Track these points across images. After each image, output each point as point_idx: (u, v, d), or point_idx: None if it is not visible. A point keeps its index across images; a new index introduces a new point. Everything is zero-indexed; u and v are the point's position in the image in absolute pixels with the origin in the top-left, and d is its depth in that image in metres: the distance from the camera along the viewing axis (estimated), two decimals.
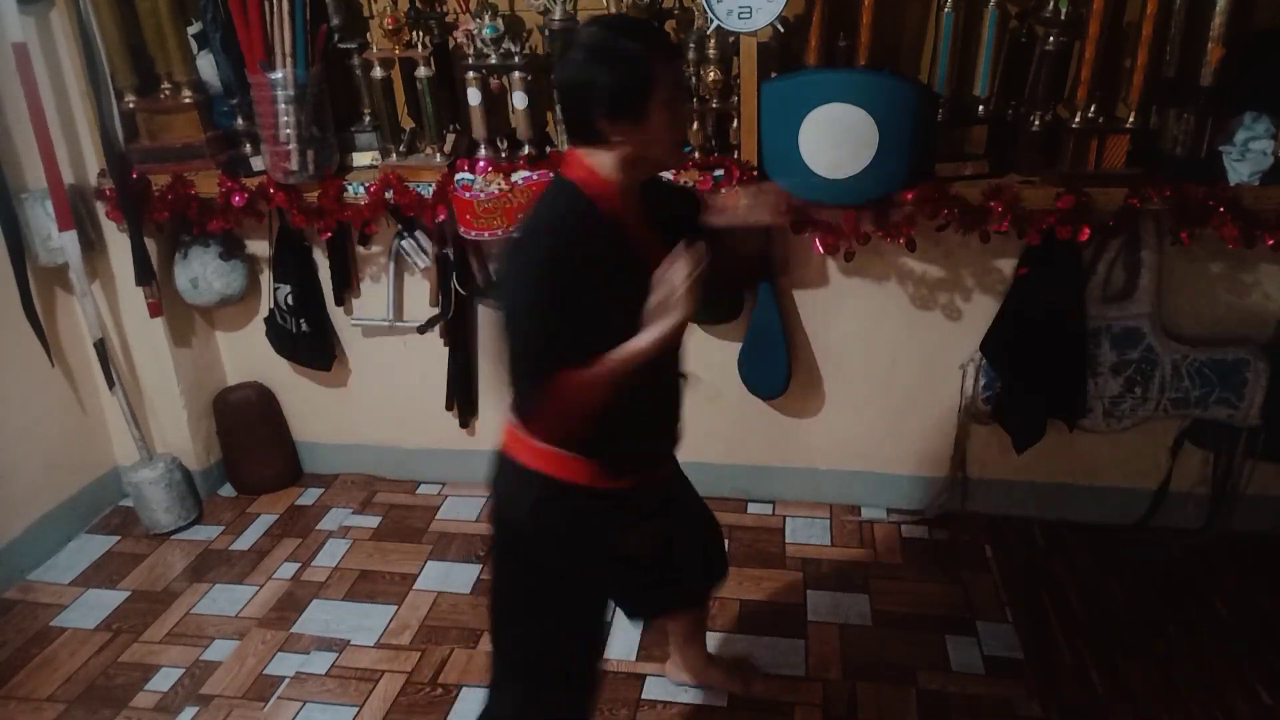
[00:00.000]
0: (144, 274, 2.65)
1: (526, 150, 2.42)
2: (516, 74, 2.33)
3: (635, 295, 1.36)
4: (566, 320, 1.35)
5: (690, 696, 2.15)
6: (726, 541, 2.66)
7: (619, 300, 1.38)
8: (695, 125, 2.32)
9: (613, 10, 2.25)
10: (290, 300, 2.80)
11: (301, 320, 2.83)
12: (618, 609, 1.89)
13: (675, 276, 1.33)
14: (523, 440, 1.49)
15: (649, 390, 1.49)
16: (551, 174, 1.48)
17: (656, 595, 1.90)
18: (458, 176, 2.41)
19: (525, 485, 1.52)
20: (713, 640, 2.31)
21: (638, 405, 1.45)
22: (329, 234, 2.67)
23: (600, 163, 1.40)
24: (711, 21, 2.14)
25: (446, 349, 2.84)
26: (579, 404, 1.37)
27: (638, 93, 1.33)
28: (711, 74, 2.25)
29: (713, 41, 2.24)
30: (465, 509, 2.93)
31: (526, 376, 1.41)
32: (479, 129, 2.42)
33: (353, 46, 2.46)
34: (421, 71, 2.38)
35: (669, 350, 1.46)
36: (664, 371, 1.56)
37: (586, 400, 1.37)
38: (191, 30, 2.49)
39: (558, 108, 1.46)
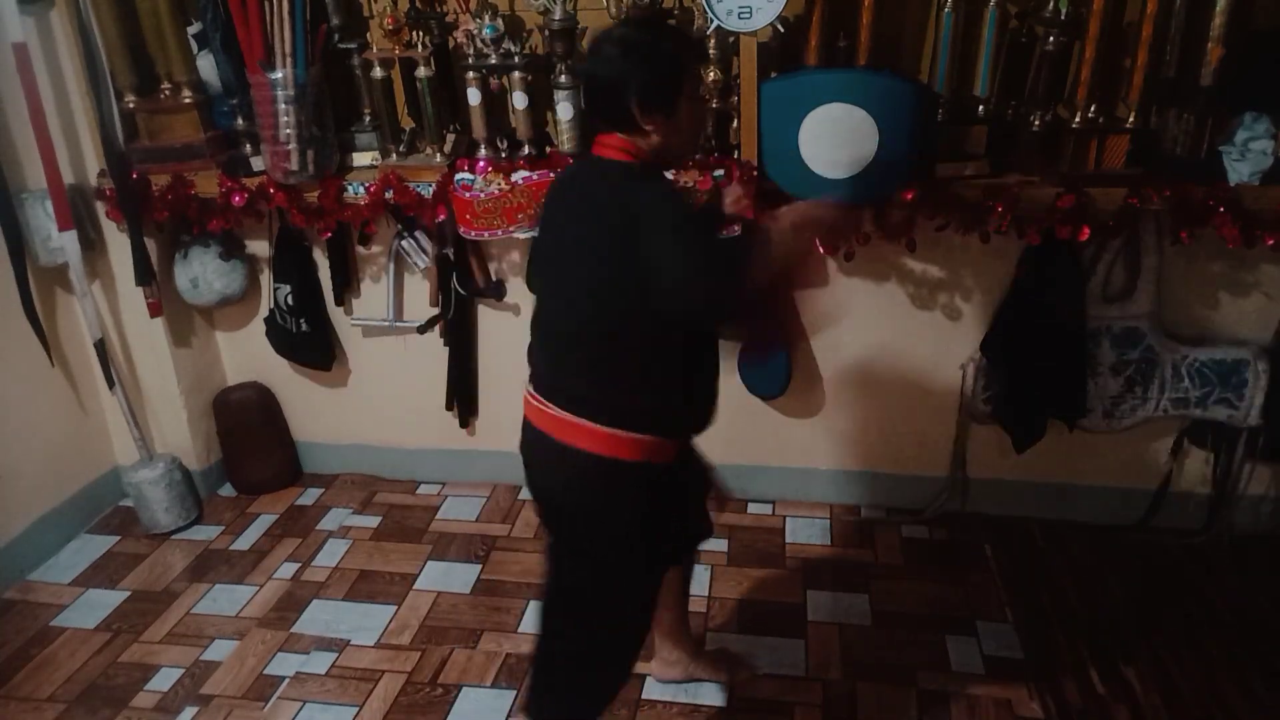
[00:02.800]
0: (144, 274, 2.65)
1: (526, 150, 2.42)
2: (516, 74, 2.33)
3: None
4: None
5: (690, 696, 2.15)
6: (726, 542, 2.69)
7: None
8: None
9: (612, 10, 2.25)
10: (290, 300, 2.80)
11: (301, 320, 2.83)
12: None
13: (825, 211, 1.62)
14: (599, 432, 1.52)
15: (712, 354, 1.64)
16: (591, 159, 1.56)
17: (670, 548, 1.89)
18: (458, 176, 2.41)
19: (609, 475, 1.55)
20: (713, 640, 2.32)
21: (707, 370, 1.62)
22: (329, 234, 2.67)
23: (638, 144, 1.52)
24: (711, 21, 2.14)
25: (446, 349, 2.84)
26: (763, 279, 1.49)
27: (670, 87, 1.48)
28: (711, 74, 2.25)
29: (713, 41, 2.24)
30: (465, 509, 2.93)
31: (722, 273, 1.44)
32: (479, 129, 2.42)
33: (353, 46, 2.46)
34: (421, 71, 2.38)
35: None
36: (712, 341, 1.66)
37: (767, 274, 1.50)
38: (191, 30, 2.49)
39: (583, 98, 1.59)
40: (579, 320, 1.52)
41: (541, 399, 1.58)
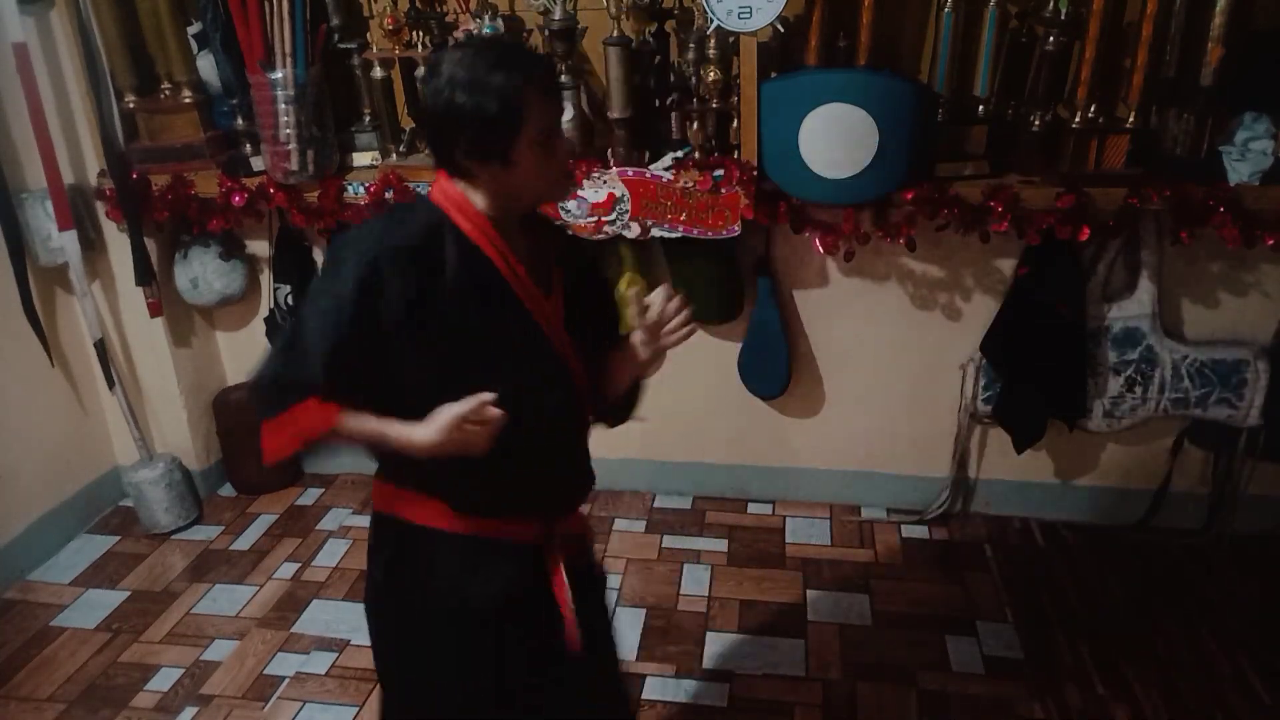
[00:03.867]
0: (144, 274, 2.65)
1: None
2: None
3: (505, 330, 1.28)
4: (355, 332, 1.19)
5: (690, 696, 2.15)
6: (726, 541, 2.69)
7: (482, 334, 1.27)
8: (695, 125, 2.32)
9: (612, 10, 2.25)
10: (290, 300, 2.80)
11: None
12: None
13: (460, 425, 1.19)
14: (380, 486, 1.41)
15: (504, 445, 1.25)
16: (418, 193, 1.38)
17: None
18: None
19: (380, 534, 1.42)
20: (713, 640, 2.32)
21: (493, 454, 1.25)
22: (329, 234, 2.66)
23: (469, 194, 1.27)
24: (711, 21, 2.14)
25: None
26: (303, 434, 1.27)
27: (505, 131, 1.19)
28: (711, 74, 2.25)
29: (713, 41, 2.24)
30: None
31: (282, 369, 1.26)
32: None
33: (353, 46, 2.46)
34: (421, 71, 2.38)
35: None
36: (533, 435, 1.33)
37: (311, 434, 1.27)
38: (191, 30, 2.49)
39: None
40: None
41: None
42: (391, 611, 1.43)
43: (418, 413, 1.22)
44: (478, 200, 1.26)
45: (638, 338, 1.39)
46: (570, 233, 1.61)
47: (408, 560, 1.39)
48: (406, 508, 1.39)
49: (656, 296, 1.35)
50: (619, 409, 1.51)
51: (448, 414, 1.19)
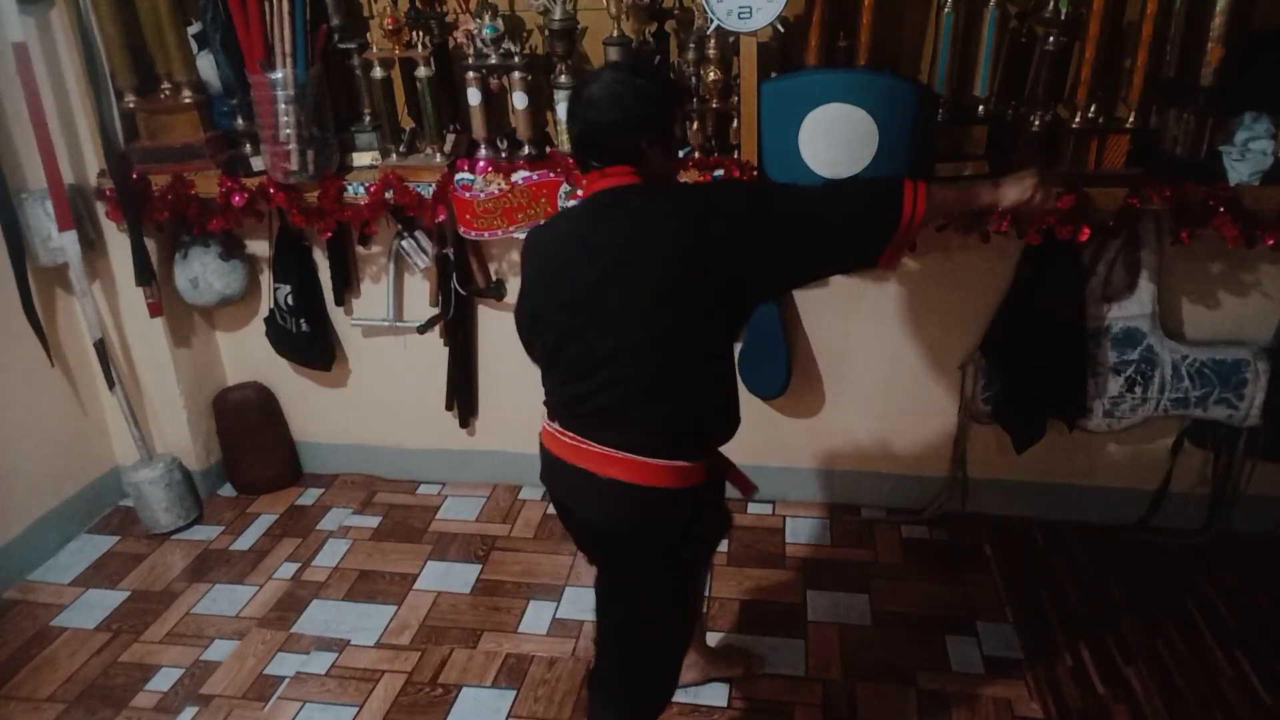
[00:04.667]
0: (144, 274, 2.65)
1: (526, 150, 2.42)
2: (516, 74, 2.33)
3: None
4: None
5: (690, 696, 2.15)
6: (726, 542, 2.69)
7: None
8: (695, 125, 2.32)
9: (612, 10, 2.25)
10: (290, 300, 2.80)
11: (301, 320, 2.83)
12: None
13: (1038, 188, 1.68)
14: (640, 463, 1.52)
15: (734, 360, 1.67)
16: (616, 186, 1.56)
17: None
18: (458, 176, 2.41)
19: (673, 506, 1.59)
20: (713, 640, 2.31)
21: (734, 376, 1.67)
22: (329, 234, 2.67)
23: (639, 173, 1.55)
24: (711, 21, 2.13)
25: (446, 349, 2.84)
26: (922, 217, 1.54)
27: (670, 123, 1.60)
28: (711, 74, 2.25)
29: (713, 41, 2.24)
30: (465, 509, 2.93)
31: (871, 214, 1.55)
32: (479, 129, 2.42)
33: (353, 46, 2.46)
34: (421, 71, 2.38)
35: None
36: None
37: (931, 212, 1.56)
38: (191, 30, 2.49)
39: (580, 135, 1.58)
40: (655, 350, 1.49)
41: (574, 435, 1.56)
42: (685, 557, 1.69)
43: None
44: (642, 176, 1.58)
45: None
46: None
47: (699, 514, 1.66)
48: (681, 477, 1.57)
49: None
50: None
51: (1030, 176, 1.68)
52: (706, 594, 2.45)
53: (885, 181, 1.61)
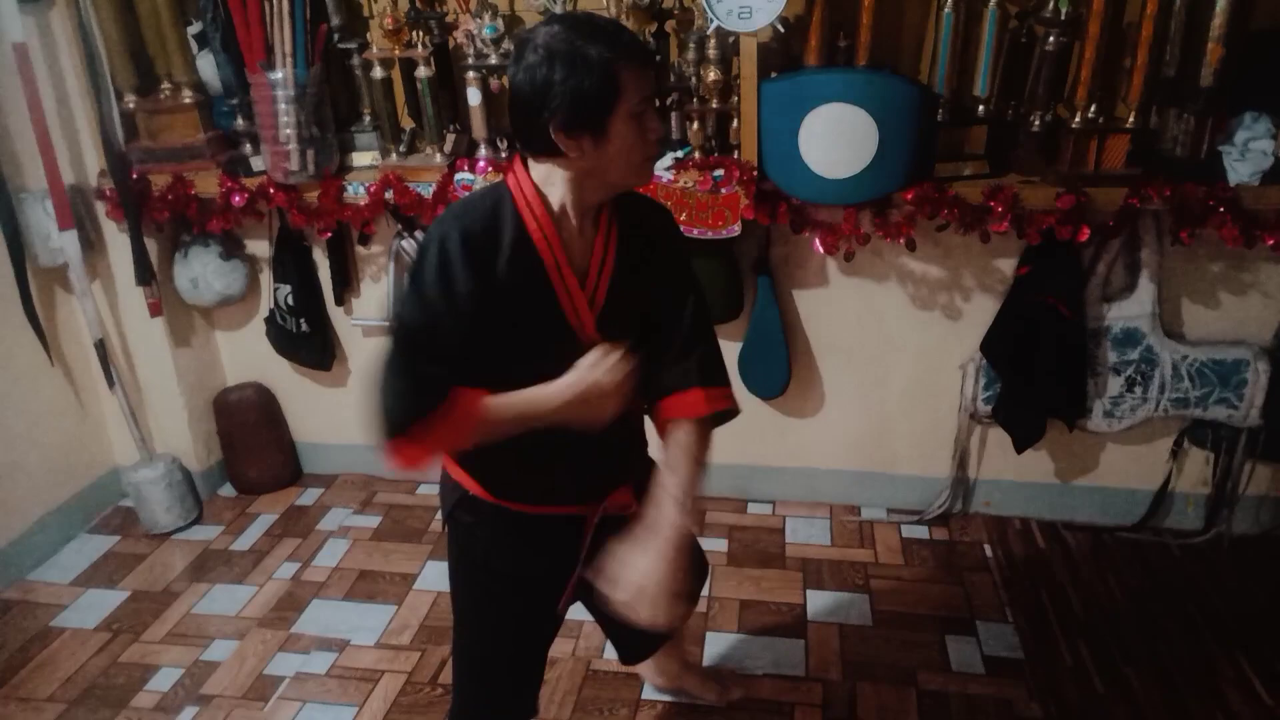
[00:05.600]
0: (144, 274, 2.65)
1: None
2: None
3: (537, 325, 1.31)
4: (452, 319, 1.23)
5: (690, 696, 2.14)
6: (726, 541, 2.69)
7: (520, 330, 1.30)
8: (695, 125, 2.32)
9: (612, 10, 2.25)
10: (290, 300, 2.80)
11: (301, 320, 2.83)
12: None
13: (604, 376, 1.27)
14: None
15: (543, 436, 1.33)
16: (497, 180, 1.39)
17: (634, 640, 1.84)
18: (458, 176, 2.41)
19: (447, 492, 1.53)
20: (713, 640, 2.31)
21: (523, 445, 1.33)
22: (329, 234, 2.67)
23: (545, 176, 1.28)
24: (711, 21, 2.14)
25: None
26: (454, 432, 1.29)
27: (600, 104, 1.19)
28: (711, 74, 2.25)
29: (713, 41, 2.24)
30: None
31: (400, 373, 1.27)
32: (479, 129, 2.42)
33: (353, 46, 2.46)
34: (421, 71, 2.38)
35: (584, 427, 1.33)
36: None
37: (460, 431, 1.29)
38: (191, 30, 2.49)
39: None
40: None
41: None
42: (464, 567, 1.57)
43: None
44: (556, 185, 1.28)
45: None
46: (665, 217, 1.52)
47: (465, 518, 1.51)
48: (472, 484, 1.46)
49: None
50: None
51: (601, 379, 1.28)
52: (706, 594, 2.46)
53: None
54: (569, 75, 1.17)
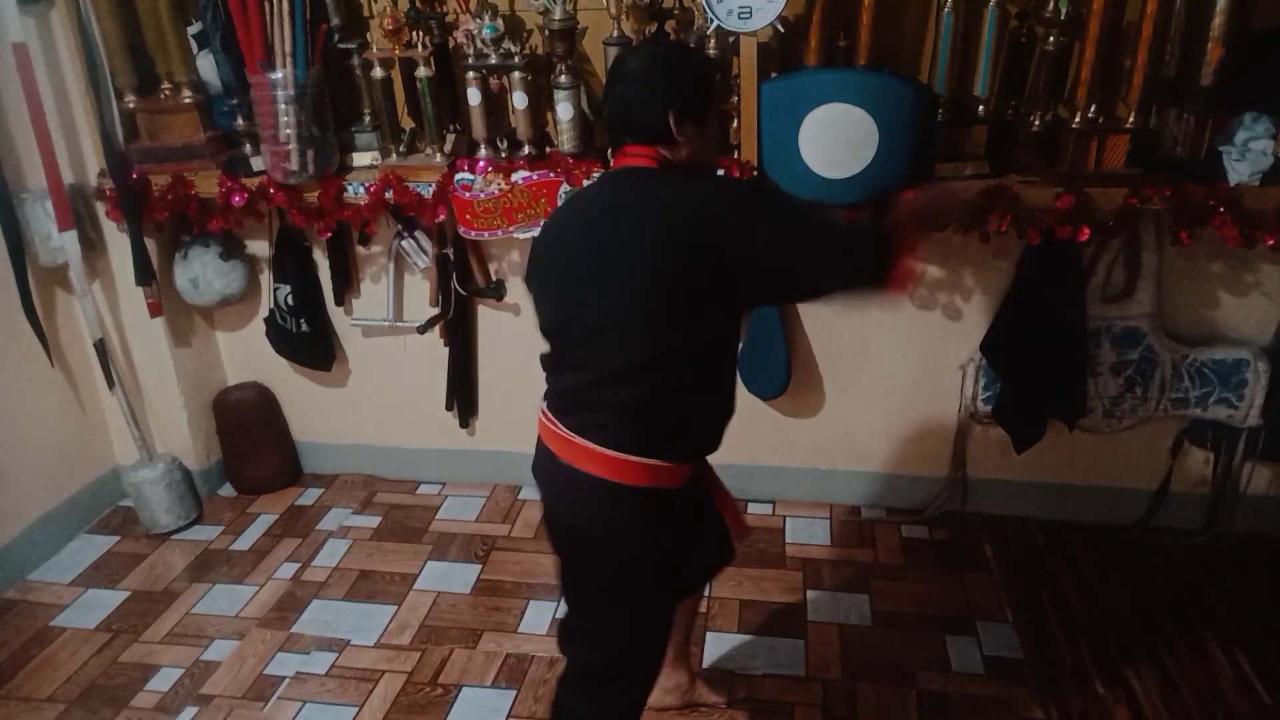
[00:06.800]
0: (144, 274, 2.65)
1: (526, 150, 2.42)
2: (516, 74, 2.33)
3: None
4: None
5: (702, 705, 2.14)
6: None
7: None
8: None
9: (612, 10, 2.25)
10: (290, 300, 2.80)
11: (301, 320, 2.83)
12: None
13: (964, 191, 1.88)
14: (609, 457, 1.48)
15: (734, 364, 1.64)
16: (626, 167, 1.53)
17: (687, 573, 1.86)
18: (458, 176, 2.41)
19: (632, 504, 1.53)
20: (713, 640, 2.32)
21: (731, 381, 1.63)
22: (329, 234, 2.66)
23: (666, 156, 1.51)
24: (711, 21, 2.14)
25: (446, 349, 2.84)
26: (910, 238, 1.55)
27: (702, 99, 1.52)
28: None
29: (713, 41, 2.24)
30: (465, 509, 2.93)
31: (841, 236, 1.53)
32: (479, 129, 2.42)
33: (353, 46, 2.46)
34: (421, 71, 2.38)
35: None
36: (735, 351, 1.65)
37: (912, 233, 1.56)
38: (191, 30, 2.49)
39: (610, 110, 1.53)
40: (622, 336, 1.44)
41: (555, 420, 1.53)
42: (646, 572, 1.62)
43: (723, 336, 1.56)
44: (671, 159, 1.53)
45: None
46: None
47: (669, 524, 1.62)
48: (649, 476, 1.52)
49: None
50: None
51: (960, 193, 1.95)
52: (706, 594, 2.46)
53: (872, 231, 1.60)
54: (683, 75, 1.50)
